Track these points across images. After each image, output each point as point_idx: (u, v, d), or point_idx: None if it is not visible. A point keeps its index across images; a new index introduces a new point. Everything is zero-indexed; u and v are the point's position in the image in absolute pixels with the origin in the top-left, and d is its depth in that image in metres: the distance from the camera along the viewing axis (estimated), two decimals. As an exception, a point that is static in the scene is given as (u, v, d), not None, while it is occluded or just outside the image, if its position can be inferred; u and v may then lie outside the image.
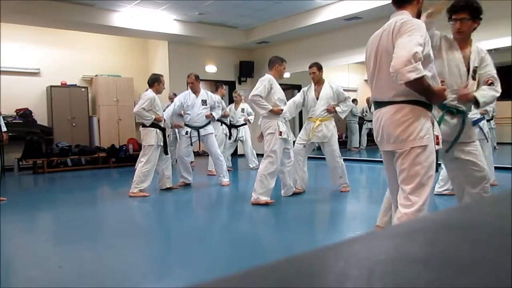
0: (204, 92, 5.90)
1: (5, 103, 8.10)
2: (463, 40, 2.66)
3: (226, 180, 5.83)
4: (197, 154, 8.56)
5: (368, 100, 10.59)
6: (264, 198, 4.30)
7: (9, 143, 5.94)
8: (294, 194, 4.79)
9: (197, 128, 5.75)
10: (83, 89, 9.16)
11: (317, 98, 4.86)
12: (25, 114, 8.37)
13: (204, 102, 5.80)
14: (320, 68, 4.92)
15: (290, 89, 9.31)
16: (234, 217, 4.27)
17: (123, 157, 8.69)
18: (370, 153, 9.91)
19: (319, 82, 4.92)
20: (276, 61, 4.51)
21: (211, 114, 5.82)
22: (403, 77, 1.97)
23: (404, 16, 2.18)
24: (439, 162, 2.38)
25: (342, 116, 4.94)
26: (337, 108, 4.85)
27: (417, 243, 0.46)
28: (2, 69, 8.13)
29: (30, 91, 8.67)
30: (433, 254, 0.42)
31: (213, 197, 5.46)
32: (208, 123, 5.86)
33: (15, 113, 8.32)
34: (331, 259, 0.43)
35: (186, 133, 5.80)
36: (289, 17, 8.59)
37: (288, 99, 4.82)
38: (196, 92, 5.80)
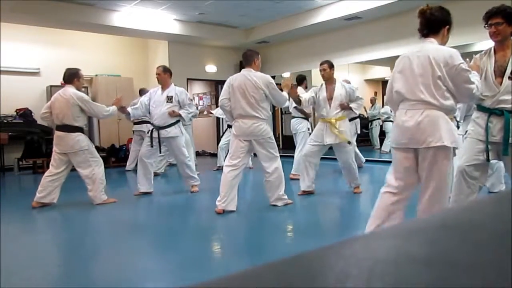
0: (172, 88, 5.16)
1: (5, 103, 8.12)
2: (500, 42, 2.72)
3: (196, 183, 5.24)
4: (197, 154, 8.55)
5: (372, 100, 10.62)
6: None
7: (8, 143, 5.93)
8: (305, 194, 4.75)
9: (158, 128, 5.02)
10: (83, 89, 9.13)
11: (329, 98, 4.65)
12: (25, 114, 8.37)
13: (169, 98, 5.07)
14: (331, 65, 4.73)
15: (290, 88, 9.30)
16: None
17: (123, 157, 8.68)
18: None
19: (330, 81, 4.72)
20: (253, 55, 4.24)
21: (174, 111, 5.00)
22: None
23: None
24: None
25: (357, 112, 4.99)
26: (351, 105, 4.67)
27: (417, 243, 0.46)
28: (2, 69, 8.13)
29: (30, 91, 8.66)
30: (433, 254, 0.42)
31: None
32: (174, 123, 5.03)
33: (15, 113, 8.32)
34: (331, 259, 0.43)
35: (148, 131, 5.24)
36: (289, 17, 8.59)
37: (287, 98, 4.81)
38: (163, 86, 5.15)
